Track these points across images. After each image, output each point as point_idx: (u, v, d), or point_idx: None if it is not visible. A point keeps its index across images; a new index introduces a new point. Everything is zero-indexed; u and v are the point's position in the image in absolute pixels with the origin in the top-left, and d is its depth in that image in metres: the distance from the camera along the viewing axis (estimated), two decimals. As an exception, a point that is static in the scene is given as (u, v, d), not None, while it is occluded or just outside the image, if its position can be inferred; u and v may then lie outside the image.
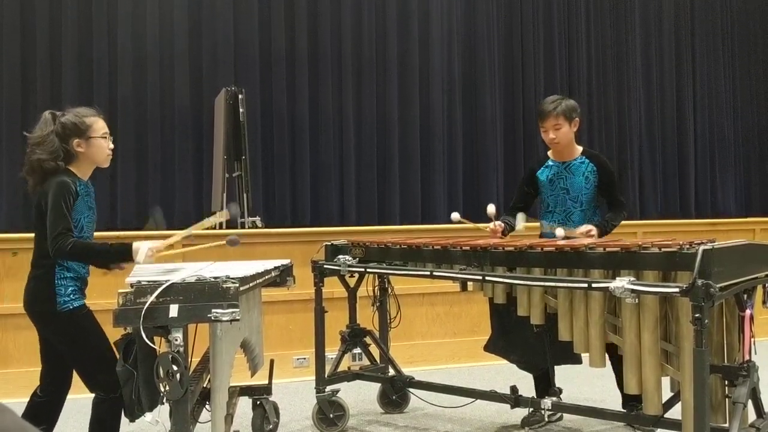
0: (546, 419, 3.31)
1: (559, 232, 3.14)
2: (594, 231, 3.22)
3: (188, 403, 2.33)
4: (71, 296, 2.58)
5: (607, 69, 6.74)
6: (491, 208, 3.38)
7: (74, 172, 2.63)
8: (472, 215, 6.16)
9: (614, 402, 3.46)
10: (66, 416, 2.75)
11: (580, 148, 3.48)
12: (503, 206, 6.35)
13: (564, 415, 3.51)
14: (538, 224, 3.46)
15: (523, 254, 2.82)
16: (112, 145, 2.74)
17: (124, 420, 2.54)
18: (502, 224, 3.41)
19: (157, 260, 2.67)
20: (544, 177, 3.50)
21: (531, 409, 3.20)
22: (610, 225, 3.36)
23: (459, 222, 3.46)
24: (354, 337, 3.71)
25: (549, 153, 3.53)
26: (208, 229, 2.82)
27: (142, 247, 2.54)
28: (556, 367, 3.44)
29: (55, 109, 2.70)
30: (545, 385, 3.44)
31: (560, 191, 3.45)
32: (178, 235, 2.73)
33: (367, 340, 3.75)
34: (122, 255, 2.58)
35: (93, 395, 2.62)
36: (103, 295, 3.96)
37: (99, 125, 2.67)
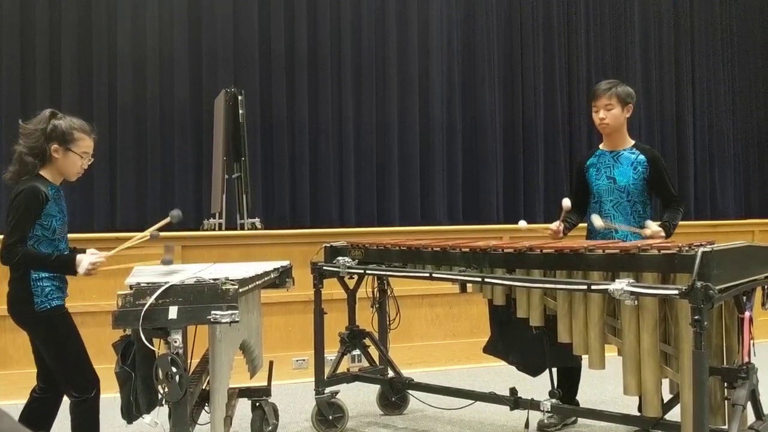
0: (547, 422, 3.31)
1: (597, 221, 3.10)
2: (662, 233, 3.13)
3: (187, 404, 2.33)
4: (49, 296, 2.59)
5: (607, 71, 6.73)
6: (566, 202, 3.32)
7: (45, 176, 2.64)
8: (471, 217, 6.22)
9: (614, 404, 3.46)
10: (65, 417, 2.75)
11: (632, 141, 3.44)
12: (503, 207, 6.38)
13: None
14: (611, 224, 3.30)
15: (523, 256, 2.82)
16: (86, 166, 2.74)
17: (123, 421, 2.54)
18: (562, 224, 3.38)
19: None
20: (591, 164, 3.45)
21: (549, 414, 3.19)
22: (672, 225, 3.25)
23: (528, 230, 3.39)
24: (353, 338, 3.71)
25: (600, 145, 3.50)
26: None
27: (84, 260, 2.56)
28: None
29: (56, 110, 2.70)
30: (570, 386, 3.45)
31: (606, 180, 3.38)
32: (118, 249, 2.72)
33: (367, 341, 3.75)
34: (65, 265, 2.58)
35: (69, 399, 2.64)
36: (102, 296, 3.97)
37: (84, 144, 2.67)
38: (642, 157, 3.36)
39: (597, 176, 3.41)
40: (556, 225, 3.38)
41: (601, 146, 3.49)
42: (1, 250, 2.54)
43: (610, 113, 3.32)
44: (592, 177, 3.44)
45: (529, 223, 3.46)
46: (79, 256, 2.58)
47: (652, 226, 3.16)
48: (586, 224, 3.48)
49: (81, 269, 2.55)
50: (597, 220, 3.18)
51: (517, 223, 3.47)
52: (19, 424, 0.80)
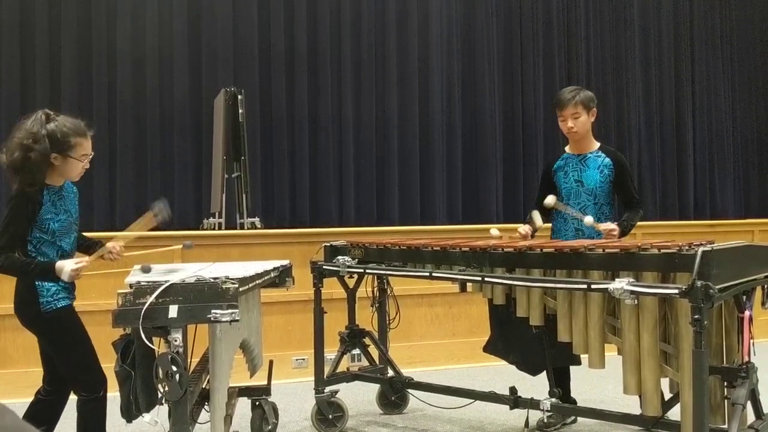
0: (547, 421, 3.31)
1: (588, 219, 3.16)
2: (617, 231, 3.20)
3: (187, 403, 2.33)
4: (54, 296, 2.58)
5: (607, 71, 6.74)
6: (550, 199, 3.34)
7: (46, 181, 2.61)
8: (470, 216, 6.23)
9: (613, 403, 3.47)
10: (66, 416, 2.75)
11: (597, 144, 3.49)
12: (502, 207, 6.38)
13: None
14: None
15: (523, 255, 2.82)
16: (87, 166, 2.70)
17: (123, 420, 2.54)
18: (529, 228, 3.40)
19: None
20: (558, 167, 3.51)
21: (549, 413, 3.19)
22: (629, 225, 3.33)
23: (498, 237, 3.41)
24: (353, 337, 3.71)
25: (566, 148, 3.55)
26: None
27: (66, 267, 2.51)
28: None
29: (54, 110, 2.66)
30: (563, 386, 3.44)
31: (574, 183, 3.43)
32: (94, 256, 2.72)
33: (366, 340, 3.75)
34: (45, 272, 2.53)
35: (77, 397, 2.63)
36: (102, 295, 3.97)
37: (82, 147, 2.63)
38: (608, 160, 3.43)
39: (565, 179, 3.47)
40: (523, 229, 3.38)
41: (567, 149, 3.55)
42: None
43: (578, 121, 3.38)
44: (560, 180, 3.49)
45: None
46: (59, 264, 2.52)
47: (605, 225, 3.22)
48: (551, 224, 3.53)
49: (64, 276, 2.50)
50: (588, 219, 3.21)
51: (516, 222, 3.49)
52: (22, 420, 0.80)
